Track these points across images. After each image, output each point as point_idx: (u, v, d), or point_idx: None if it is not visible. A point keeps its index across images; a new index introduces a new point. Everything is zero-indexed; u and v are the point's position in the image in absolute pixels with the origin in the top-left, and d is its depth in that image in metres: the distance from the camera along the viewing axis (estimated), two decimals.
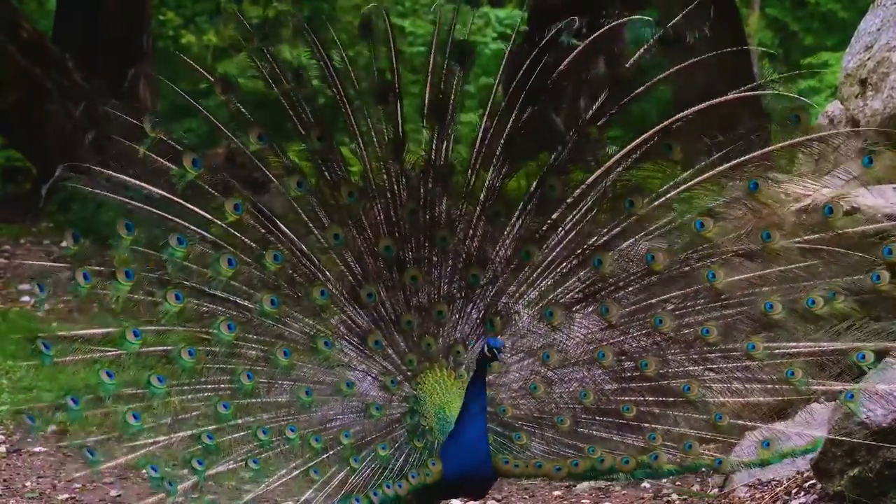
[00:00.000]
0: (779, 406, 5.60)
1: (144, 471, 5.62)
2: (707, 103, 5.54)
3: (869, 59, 8.48)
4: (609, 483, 7.50)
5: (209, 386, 5.63)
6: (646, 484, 7.48)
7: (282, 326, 5.66)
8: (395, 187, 5.69)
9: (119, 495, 7.50)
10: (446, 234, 5.69)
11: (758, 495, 6.86)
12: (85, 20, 16.86)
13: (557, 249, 5.66)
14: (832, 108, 9.02)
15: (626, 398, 5.60)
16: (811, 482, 6.62)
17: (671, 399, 5.59)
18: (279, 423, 5.61)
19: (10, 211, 15.62)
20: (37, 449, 8.27)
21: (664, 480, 7.48)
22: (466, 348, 5.69)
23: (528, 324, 5.70)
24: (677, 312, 5.58)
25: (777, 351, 5.54)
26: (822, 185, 5.81)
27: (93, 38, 16.66)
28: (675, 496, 7.28)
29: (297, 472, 5.55)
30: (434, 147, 5.68)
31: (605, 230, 5.64)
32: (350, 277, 5.71)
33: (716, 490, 7.18)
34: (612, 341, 5.63)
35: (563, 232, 5.66)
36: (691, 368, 5.59)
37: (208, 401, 5.59)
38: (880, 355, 5.48)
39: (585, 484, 7.44)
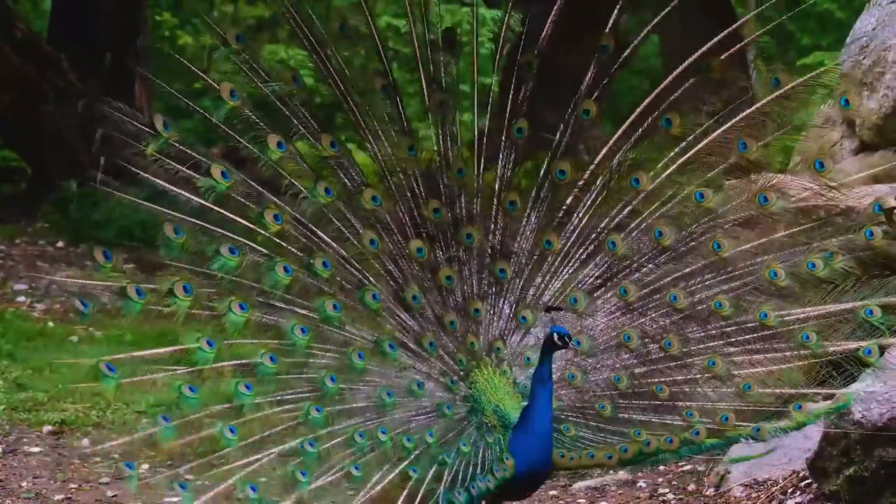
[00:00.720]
0: (802, 370, 5.70)
1: (242, 493, 5.36)
2: (693, 57, 5.66)
3: (864, 58, 8.48)
4: (605, 482, 7.52)
5: (293, 393, 5.56)
6: (641, 483, 7.49)
7: (346, 333, 5.67)
8: (415, 186, 5.75)
9: (115, 496, 7.50)
10: (471, 231, 5.75)
11: (754, 495, 6.86)
12: (80, 21, 16.85)
13: (574, 236, 5.76)
14: (828, 108, 9.01)
15: (657, 379, 5.71)
16: (807, 482, 6.63)
17: (699, 375, 5.70)
18: (368, 426, 5.58)
19: (6, 211, 15.61)
20: (33, 449, 8.27)
21: (660, 479, 7.50)
22: (505, 344, 5.76)
23: (555, 313, 5.74)
24: (689, 289, 5.70)
25: (788, 318, 5.67)
26: (821, 185, 5.86)
27: (88, 38, 16.65)
28: (670, 496, 7.28)
29: (392, 475, 5.49)
30: (442, 141, 5.75)
31: (616, 211, 5.75)
32: (392, 282, 5.75)
33: (712, 489, 7.18)
34: (633, 324, 5.73)
35: (577, 218, 5.76)
36: (712, 344, 5.71)
37: (298, 407, 5.53)
38: (887, 309, 5.61)
39: (581, 483, 7.46)
